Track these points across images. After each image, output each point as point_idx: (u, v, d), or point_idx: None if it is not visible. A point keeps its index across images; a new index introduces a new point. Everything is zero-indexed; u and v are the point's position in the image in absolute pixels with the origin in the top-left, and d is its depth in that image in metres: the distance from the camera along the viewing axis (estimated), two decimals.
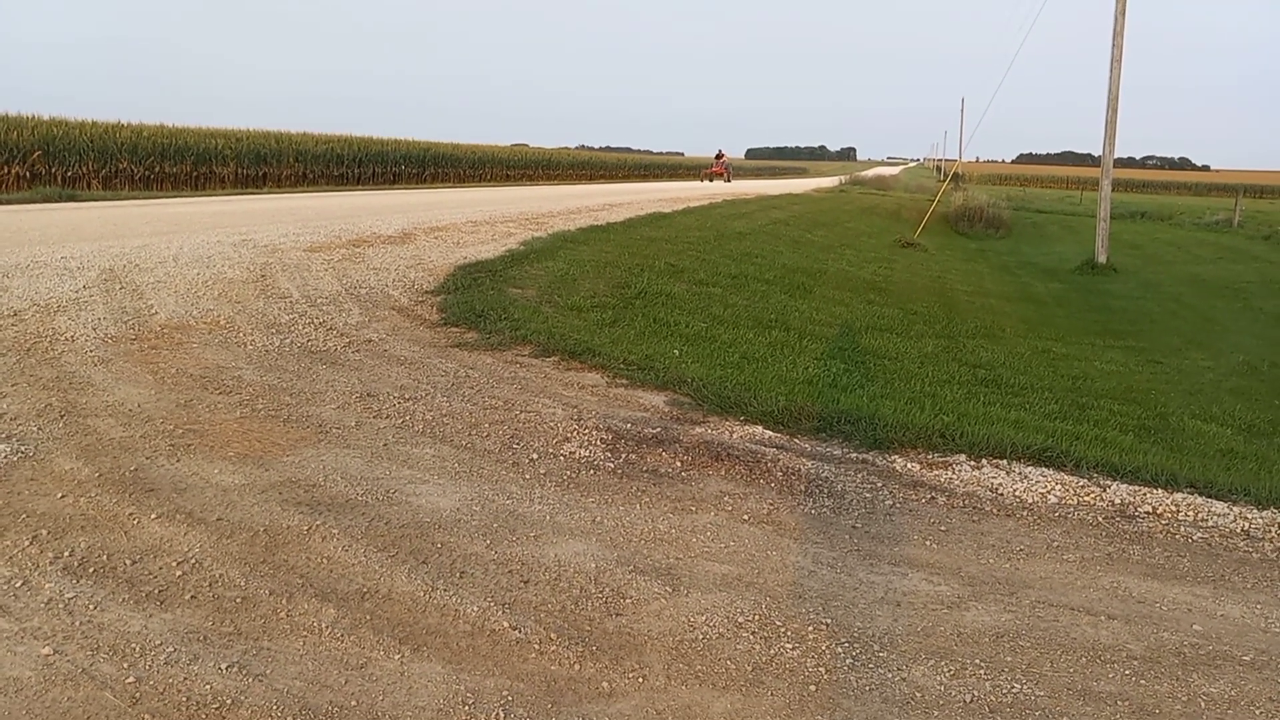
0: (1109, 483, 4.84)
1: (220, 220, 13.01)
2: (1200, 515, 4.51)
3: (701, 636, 3.20)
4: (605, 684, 2.90)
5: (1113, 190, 20.88)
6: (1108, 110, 19.80)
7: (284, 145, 31.21)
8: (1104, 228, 20.33)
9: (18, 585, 3.19)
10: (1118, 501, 4.63)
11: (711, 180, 46.11)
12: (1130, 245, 25.84)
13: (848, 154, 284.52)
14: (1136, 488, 4.79)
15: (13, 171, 22.57)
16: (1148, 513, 4.53)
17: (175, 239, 10.19)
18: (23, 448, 4.35)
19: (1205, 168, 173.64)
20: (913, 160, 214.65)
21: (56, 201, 17.43)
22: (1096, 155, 21.62)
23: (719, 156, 49.33)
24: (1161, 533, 4.34)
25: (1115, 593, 3.70)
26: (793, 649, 3.15)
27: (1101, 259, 20.10)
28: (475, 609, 3.26)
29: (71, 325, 6.31)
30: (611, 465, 4.73)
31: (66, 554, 3.42)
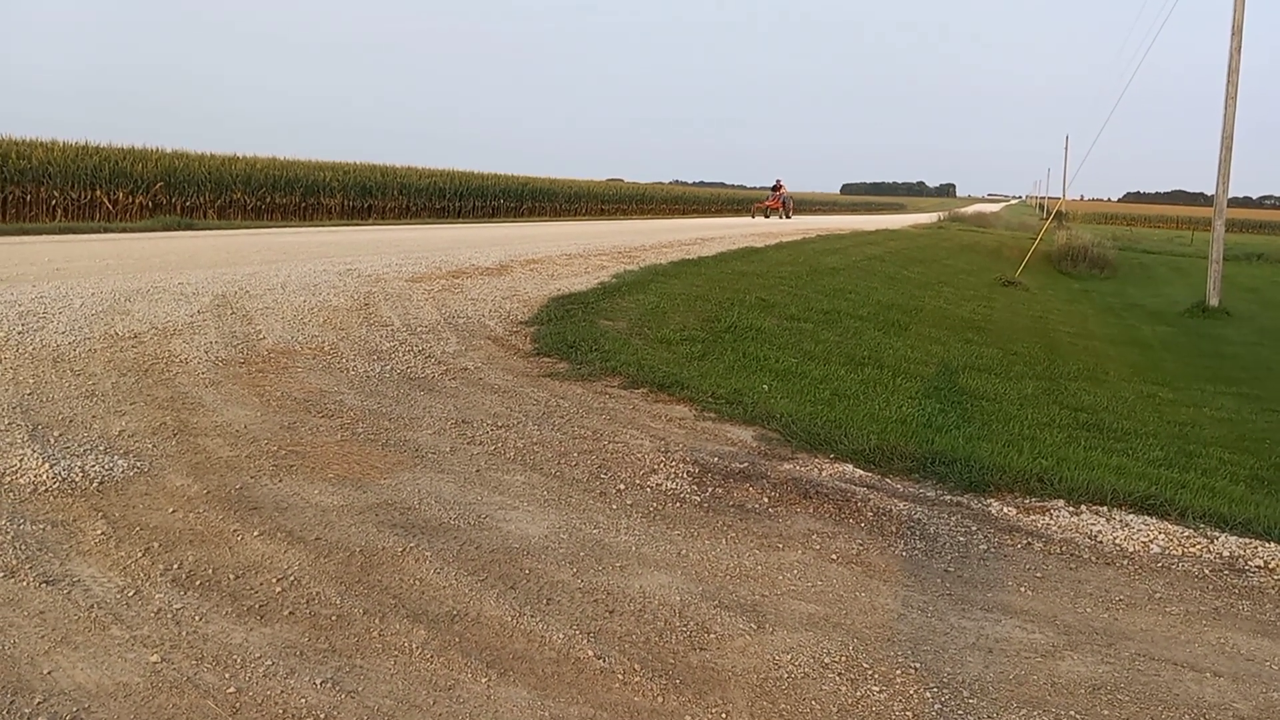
0: (1217, 534, 4.64)
1: (326, 250, 13.49)
2: None
3: (786, 675, 3.17)
4: (688, 718, 2.90)
5: (1226, 230, 20.11)
6: (1221, 148, 19.14)
7: (389, 178, 32.25)
8: (1216, 269, 19.58)
9: (130, 594, 3.35)
10: (1226, 554, 4.43)
11: (767, 216, 40.16)
12: (1245, 289, 24.82)
13: (947, 190, 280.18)
14: (1247, 540, 4.58)
15: (137, 201, 23.82)
16: (1259, 567, 4.32)
17: (284, 267, 10.60)
18: (139, 463, 4.57)
19: None
20: (1014, 197, 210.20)
21: (175, 230, 18.33)
22: (1209, 194, 20.91)
23: (776, 188, 42.19)
24: (1274, 588, 4.13)
25: (1222, 649, 3.54)
26: (880, 692, 3.10)
27: (1213, 302, 19.35)
28: (561, 636, 3.30)
29: (185, 348, 6.61)
30: (698, 499, 4.73)
31: (175, 566, 3.58)
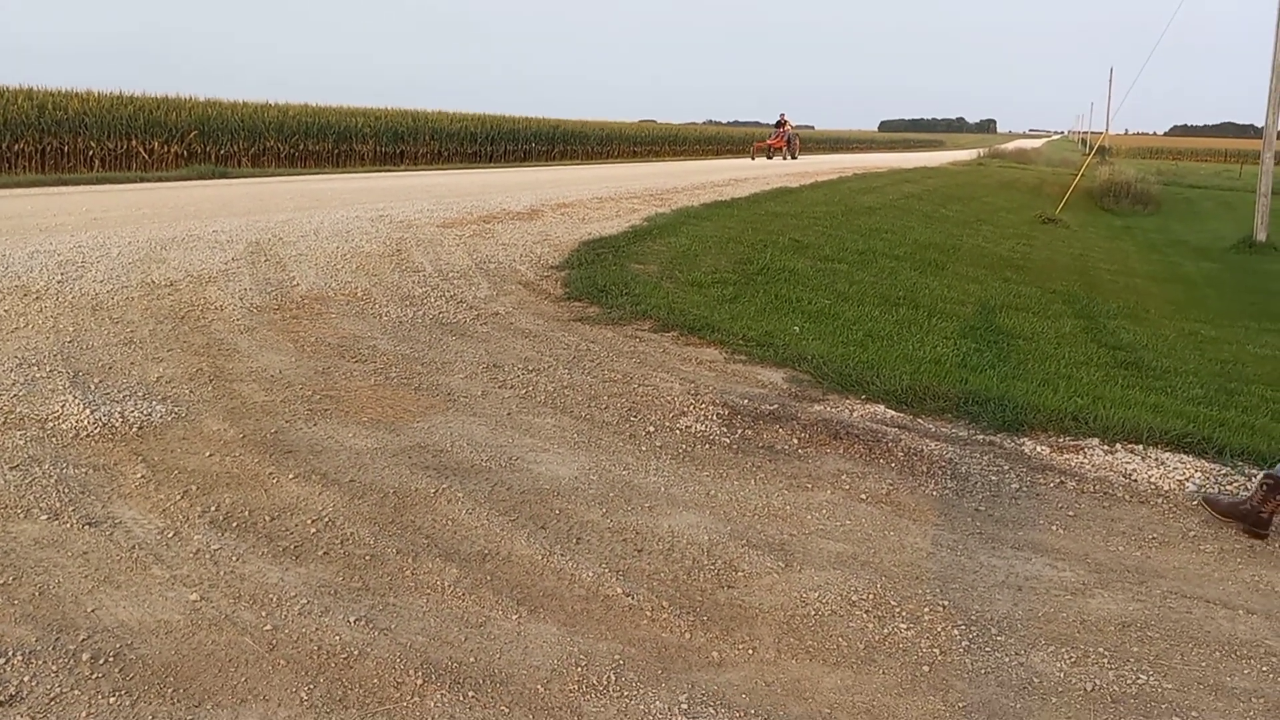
0: (1255, 472, 4.56)
1: (359, 196, 13.52)
2: None
3: (814, 612, 3.19)
4: (715, 654, 2.93)
5: (1276, 163, 19.53)
6: (1272, 77, 18.51)
7: (420, 123, 32.14)
8: (1264, 203, 19.05)
9: (170, 536, 3.43)
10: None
11: (769, 157, 35.69)
12: None
13: (987, 126, 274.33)
14: None
15: (171, 150, 23.97)
16: None
17: (316, 214, 10.64)
18: (176, 409, 4.65)
19: None
20: (1056, 133, 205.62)
21: (210, 178, 18.44)
22: (1259, 126, 20.27)
23: (780, 124, 37.25)
24: None
25: (1256, 587, 3.51)
26: (907, 629, 3.11)
27: (1261, 237, 18.87)
28: (590, 574, 3.34)
29: (220, 295, 6.68)
30: (727, 440, 4.74)
31: (213, 509, 3.66)
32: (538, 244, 9.58)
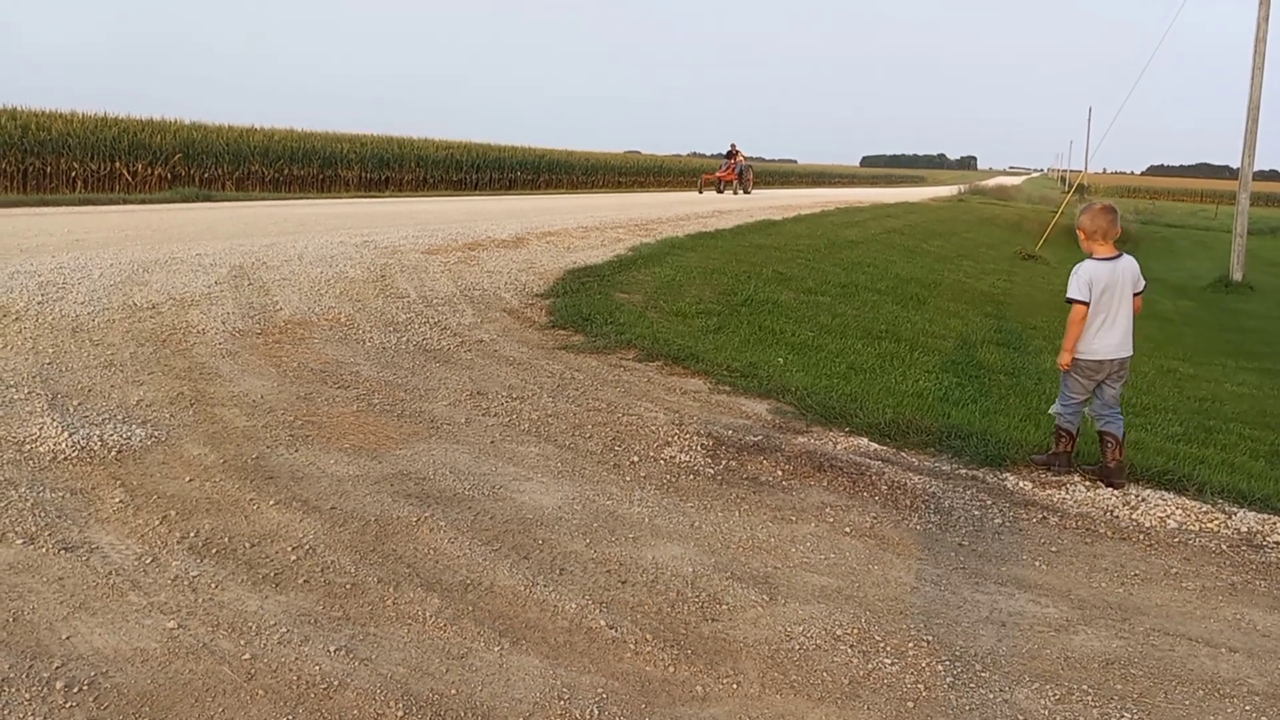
0: (1235, 510, 4.61)
1: (344, 222, 13.50)
2: None
3: (798, 647, 3.17)
4: (699, 688, 2.91)
5: (1251, 204, 19.85)
6: (1248, 120, 18.85)
7: (406, 150, 32.19)
8: (1240, 243, 19.34)
9: (148, 562, 3.38)
10: (1244, 530, 4.40)
11: (719, 190, 32.29)
12: (1270, 263, 24.50)
13: (968, 163, 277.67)
14: (1266, 516, 4.54)
15: (155, 173, 23.88)
16: (1277, 543, 4.29)
17: (301, 239, 10.61)
18: (156, 433, 4.60)
19: None
20: (1036, 170, 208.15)
21: (194, 201, 18.37)
22: (1234, 167, 20.60)
23: (731, 155, 33.32)
24: None
25: (1238, 625, 3.52)
26: (891, 664, 3.10)
27: (1237, 276, 19.14)
28: (573, 606, 3.31)
29: (203, 319, 6.64)
30: (711, 471, 4.73)
31: (192, 535, 3.61)
32: (523, 272, 9.60)
